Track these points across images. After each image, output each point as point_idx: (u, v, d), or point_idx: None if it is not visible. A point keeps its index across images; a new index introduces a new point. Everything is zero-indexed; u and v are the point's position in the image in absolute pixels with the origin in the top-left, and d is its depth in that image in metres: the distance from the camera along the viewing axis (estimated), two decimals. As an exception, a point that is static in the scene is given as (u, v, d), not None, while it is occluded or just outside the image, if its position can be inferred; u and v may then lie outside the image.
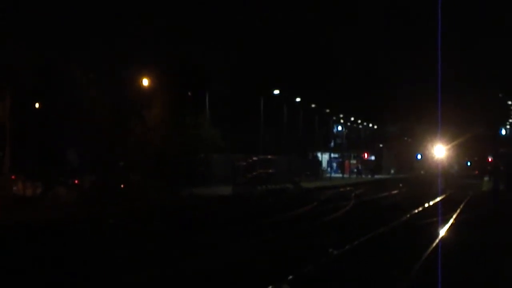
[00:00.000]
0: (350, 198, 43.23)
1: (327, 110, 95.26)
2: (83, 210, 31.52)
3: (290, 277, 14.31)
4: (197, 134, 46.65)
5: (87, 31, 40.68)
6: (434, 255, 17.49)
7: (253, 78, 72.24)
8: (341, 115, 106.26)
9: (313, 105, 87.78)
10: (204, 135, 48.82)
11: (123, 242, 21.03)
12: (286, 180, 56.32)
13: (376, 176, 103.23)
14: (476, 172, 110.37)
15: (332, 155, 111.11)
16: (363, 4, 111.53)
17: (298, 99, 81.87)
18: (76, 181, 39.61)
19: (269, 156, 59.56)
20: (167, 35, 48.63)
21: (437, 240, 20.75)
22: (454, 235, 23.07)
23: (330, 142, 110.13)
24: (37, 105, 40.25)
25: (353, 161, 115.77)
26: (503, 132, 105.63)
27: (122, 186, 40.51)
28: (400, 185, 65.70)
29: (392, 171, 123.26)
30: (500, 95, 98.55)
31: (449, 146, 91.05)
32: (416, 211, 33.29)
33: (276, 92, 73.36)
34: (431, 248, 19.01)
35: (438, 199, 42.15)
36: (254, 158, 55.72)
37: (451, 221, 27.69)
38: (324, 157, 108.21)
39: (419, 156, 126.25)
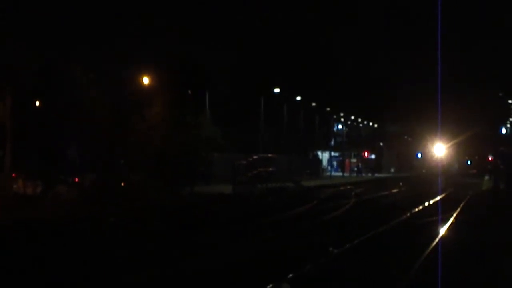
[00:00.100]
0: (350, 197, 43.26)
1: (328, 109, 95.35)
2: (83, 208, 31.56)
3: (290, 275, 14.35)
4: (197, 134, 46.63)
5: (87, 31, 40.71)
6: (434, 255, 17.52)
7: (253, 78, 72.28)
8: (342, 114, 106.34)
9: (313, 104, 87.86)
10: (205, 134, 48.80)
11: (123, 241, 21.06)
12: (286, 179, 56.38)
13: (377, 175, 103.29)
14: (475, 171, 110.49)
15: (333, 153, 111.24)
16: (363, 4, 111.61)
17: (298, 98, 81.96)
18: (77, 180, 39.67)
19: (270, 155, 59.63)
20: (167, 35, 48.63)
21: (437, 239, 20.78)
22: (454, 234, 23.10)
23: (331, 141, 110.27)
24: (37, 103, 40.29)
25: (354, 160, 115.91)
26: (503, 131, 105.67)
27: (122, 184, 40.55)
28: (400, 184, 65.71)
29: (393, 170, 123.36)
30: (500, 94, 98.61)
31: (449, 145, 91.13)
32: (416, 210, 33.32)
33: (277, 91, 73.42)
34: (431, 247, 19.04)
35: (438, 198, 42.17)
36: (255, 157, 55.74)
37: (451, 220, 27.72)
38: (324, 156, 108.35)
39: (419, 155, 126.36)
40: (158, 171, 42.80)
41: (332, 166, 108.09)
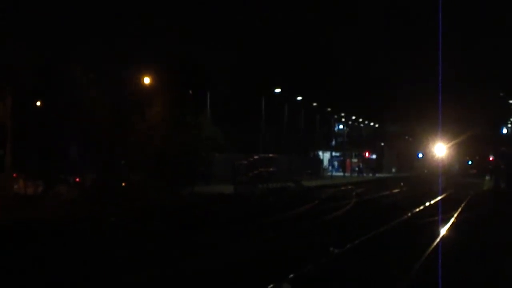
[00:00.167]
0: (351, 197, 43.23)
1: (329, 109, 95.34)
2: (84, 208, 31.54)
3: (291, 275, 14.32)
4: (197, 134, 46.61)
5: (87, 31, 40.68)
6: (434, 255, 17.48)
7: (253, 78, 72.25)
8: (342, 114, 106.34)
9: (314, 104, 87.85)
10: (205, 134, 48.78)
11: (123, 241, 21.02)
12: (287, 179, 56.33)
13: (377, 175, 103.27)
14: (475, 171, 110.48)
15: (333, 153, 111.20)
16: (363, 4, 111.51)
17: (299, 98, 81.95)
18: (77, 179, 39.68)
19: (270, 155, 59.56)
20: (167, 35, 48.58)
21: (437, 240, 20.74)
22: (454, 235, 23.07)
23: (331, 141, 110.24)
24: (37, 103, 40.29)
25: (354, 160, 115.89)
26: (504, 131, 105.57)
27: (123, 184, 40.53)
28: (401, 184, 65.71)
29: (393, 170, 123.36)
30: (501, 94, 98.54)
31: (449, 145, 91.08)
32: (417, 210, 33.30)
33: (278, 90, 73.41)
34: (431, 247, 19.00)
35: (439, 198, 42.14)
36: (255, 157, 55.69)
37: (452, 220, 27.69)
38: (325, 156, 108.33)
39: (420, 155, 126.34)
40: (158, 171, 42.77)
41: (333, 166, 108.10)
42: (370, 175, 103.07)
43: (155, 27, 47.51)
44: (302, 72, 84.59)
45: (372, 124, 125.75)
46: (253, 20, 75.97)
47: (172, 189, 42.21)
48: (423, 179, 79.13)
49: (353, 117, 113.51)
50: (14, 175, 37.59)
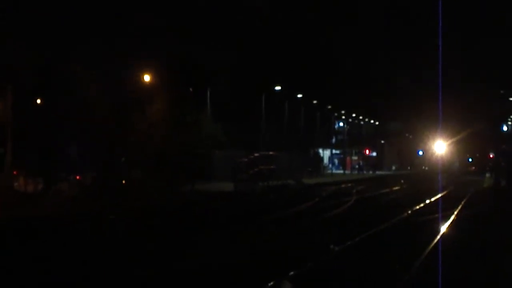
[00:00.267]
0: (352, 195, 43.26)
1: (329, 107, 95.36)
2: (84, 206, 31.58)
3: (292, 273, 14.36)
4: (198, 131, 46.65)
5: (87, 31, 40.72)
6: (434, 252, 17.51)
7: (253, 78, 72.21)
8: (343, 112, 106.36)
9: (314, 102, 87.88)
10: (205, 131, 48.84)
11: (123, 240, 21.04)
12: (287, 177, 56.36)
13: (378, 172, 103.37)
14: (475, 168, 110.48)
15: (334, 151, 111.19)
16: (363, 4, 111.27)
17: (299, 96, 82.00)
18: (78, 177, 39.77)
19: (271, 152, 59.58)
20: (167, 35, 48.62)
21: (438, 237, 20.76)
22: (455, 232, 23.08)
23: (332, 139, 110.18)
24: (38, 101, 40.36)
25: (355, 157, 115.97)
26: (505, 128, 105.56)
27: (123, 182, 40.60)
28: (402, 181, 65.73)
29: (394, 167, 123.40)
30: (501, 91, 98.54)
31: (450, 142, 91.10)
32: (417, 207, 33.31)
33: (278, 88, 73.42)
34: (431, 245, 19.02)
35: (439, 195, 42.15)
36: (256, 155, 55.70)
37: (452, 217, 27.70)
38: (325, 153, 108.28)
39: (420, 152, 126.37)
40: (158, 170, 42.85)
41: (333, 163, 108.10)
42: (370, 172, 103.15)
43: (155, 27, 47.54)
44: (302, 72, 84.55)
45: (372, 121, 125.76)
46: (253, 20, 75.90)
47: (172, 188, 42.28)
48: (423, 177, 79.15)
49: (354, 115, 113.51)
50: (15, 172, 37.70)
